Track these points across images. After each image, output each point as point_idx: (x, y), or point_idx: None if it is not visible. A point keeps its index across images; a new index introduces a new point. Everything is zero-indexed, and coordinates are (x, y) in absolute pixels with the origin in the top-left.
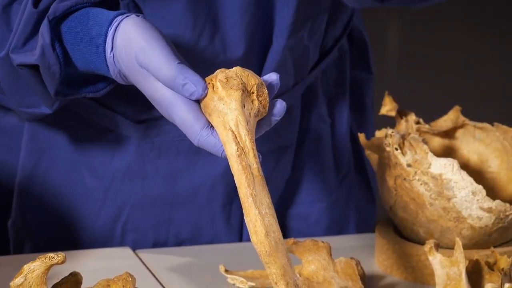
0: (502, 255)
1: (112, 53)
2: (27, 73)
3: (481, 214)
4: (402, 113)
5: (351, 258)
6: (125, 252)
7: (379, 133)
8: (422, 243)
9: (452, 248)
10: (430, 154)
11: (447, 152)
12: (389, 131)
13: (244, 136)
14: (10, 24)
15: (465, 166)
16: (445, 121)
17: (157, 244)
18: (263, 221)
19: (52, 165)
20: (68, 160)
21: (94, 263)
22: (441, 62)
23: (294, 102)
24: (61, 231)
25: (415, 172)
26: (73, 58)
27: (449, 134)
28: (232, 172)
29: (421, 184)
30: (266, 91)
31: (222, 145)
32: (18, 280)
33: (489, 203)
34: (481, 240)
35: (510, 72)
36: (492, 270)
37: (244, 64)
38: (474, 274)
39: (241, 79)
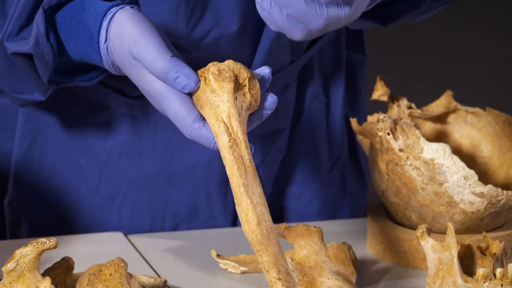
0: (494, 240)
1: (105, 44)
2: (20, 61)
3: (473, 199)
4: (394, 98)
5: (343, 243)
6: (117, 237)
7: (371, 118)
8: (414, 228)
9: (444, 233)
10: (422, 139)
11: (439, 137)
12: (381, 116)
13: (236, 127)
14: (5, 12)
15: (457, 151)
16: (437, 106)
17: (153, 224)
18: (254, 210)
19: (48, 145)
20: (63, 139)
21: (86, 248)
22: (434, 47)
23: (290, 81)
24: (58, 210)
25: (407, 157)
26: (67, 48)
27: (441, 119)
28: (224, 163)
29: (413, 169)
30: (258, 85)
31: (214, 137)
32: (10, 265)
33: (481, 188)
34: (473, 225)
35: (502, 57)
36: (484, 255)
37: (238, 40)
38: (466, 259)
39: (233, 71)
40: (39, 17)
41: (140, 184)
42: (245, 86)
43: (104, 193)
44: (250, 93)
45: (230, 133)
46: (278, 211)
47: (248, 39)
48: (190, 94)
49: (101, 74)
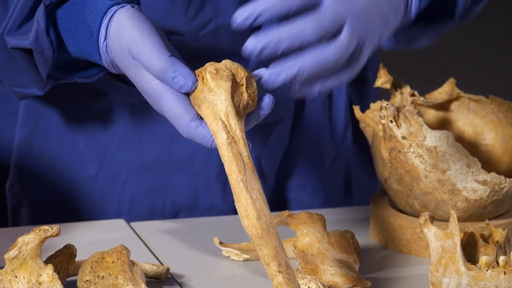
0: (497, 228)
1: (105, 42)
2: (20, 56)
3: (476, 187)
4: (397, 85)
5: (346, 231)
6: (120, 224)
7: (373, 106)
8: (417, 215)
9: (447, 220)
10: (425, 126)
11: (442, 125)
12: (384, 103)
13: (234, 125)
14: (7, 6)
15: (460, 139)
16: (440, 94)
17: (153, 212)
18: (254, 205)
19: (49, 130)
20: (64, 124)
21: (88, 236)
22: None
23: None
24: (58, 195)
25: (410, 145)
26: (66, 45)
27: (444, 106)
28: (223, 160)
29: (416, 157)
30: (255, 84)
31: (211, 136)
32: (12, 252)
33: (484, 176)
34: (476, 212)
35: (506, 45)
36: (487, 242)
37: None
38: (469, 246)
39: (231, 70)
40: (40, 13)
41: (140, 171)
42: (242, 85)
43: (104, 179)
44: (247, 92)
45: (228, 131)
46: (281, 202)
47: (246, 30)
48: (188, 94)
49: (101, 71)
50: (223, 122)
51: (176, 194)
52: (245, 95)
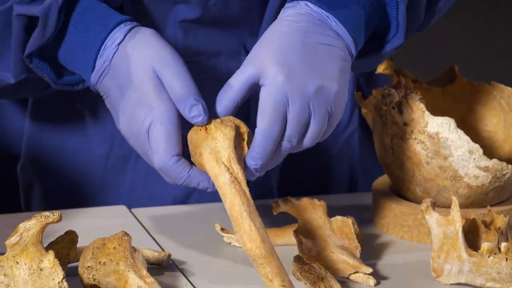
0: (499, 214)
1: (113, 47)
2: (18, 25)
3: (478, 173)
4: (399, 71)
5: (348, 217)
6: (121, 210)
7: (375, 92)
8: (418, 202)
9: (448, 207)
10: (426, 113)
11: (444, 111)
12: (386, 90)
13: (237, 170)
14: None
15: (462, 125)
16: (442, 80)
17: (155, 197)
18: (258, 231)
19: (57, 114)
20: (71, 109)
21: (90, 222)
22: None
23: None
24: (69, 174)
25: (412, 131)
26: (66, 38)
27: (446, 93)
28: (224, 199)
29: (417, 143)
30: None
31: (184, 175)
32: (13, 238)
33: (486, 162)
34: (478, 199)
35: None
36: (489, 229)
37: (246, 1)
38: (471, 233)
39: (234, 122)
40: None
41: None
42: (244, 140)
43: (113, 162)
44: (248, 147)
45: (231, 173)
46: (286, 186)
47: (254, 14)
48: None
49: (82, 82)
50: (225, 165)
51: None
52: (245, 150)
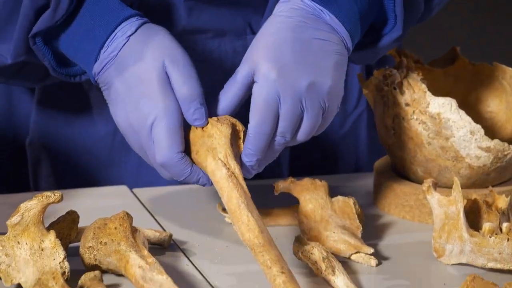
0: (500, 195)
1: (123, 38)
2: (29, 3)
3: (480, 154)
4: (401, 52)
5: (349, 197)
6: (122, 190)
7: (377, 73)
8: (420, 182)
9: (450, 187)
10: (428, 93)
11: (446, 92)
12: (388, 70)
13: (233, 166)
14: None
15: (463, 106)
16: (444, 61)
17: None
18: (256, 222)
19: (66, 94)
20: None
21: (91, 202)
22: None
23: None
24: (76, 152)
25: (413, 111)
26: (77, 20)
27: (447, 73)
28: (221, 193)
29: (419, 123)
30: None
31: (186, 171)
32: (14, 218)
33: (488, 143)
34: (479, 179)
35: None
36: (491, 209)
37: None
38: (472, 213)
39: (230, 121)
40: None
41: None
42: (240, 138)
43: (119, 141)
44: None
45: (228, 168)
46: (296, 167)
47: None
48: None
49: (83, 74)
50: (222, 161)
51: None
52: (241, 148)
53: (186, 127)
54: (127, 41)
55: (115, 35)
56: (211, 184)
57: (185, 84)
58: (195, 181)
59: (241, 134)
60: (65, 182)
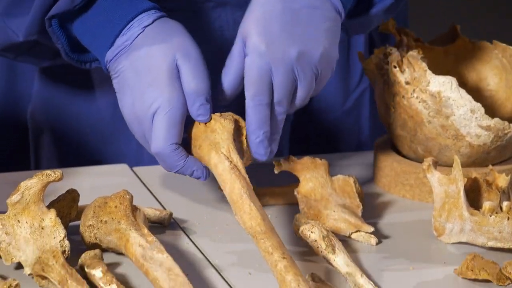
0: (501, 173)
1: (140, 28)
2: None
3: (480, 132)
4: (401, 30)
5: (349, 176)
6: (123, 169)
7: (377, 51)
8: (420, 161)
9: (450, 166)
10: (428, 71)
11: (446, 70)
12: (388, 48)
13: (236, 159)
14: None
15: (464, 84)
16: (444, 39)
17: None
18: (258, 210)
19: (69, 73)
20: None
21: (91, 180)
22: None
23: None
24: (80, 125)
25: (414, 90)
26: (95, 7)
27: (447, 51)
28: (224, 186)
29: (419, 102)
30: None
31: (179, 163)
32: (15, 197)
33: (488, 121)
34: (480, 158)
35: None
36: (491, 188)
37: None
38: (473, 192)
39: (233, 117)
40: None
41: None
42: (242, 134)
43: (122, 118)
44: (246, 143)
45: (231, 161)
46: (297, 145)
47: None
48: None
49: (90, 63)
50: (224, 155)
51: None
52: (244, 144)
53: (189, 122)
54: (143, 31)
55: (131, 24)
56: (206, 178)
57: (195, 79)
58: (189, 174)
59: (244, 131)
60: (67, 161)
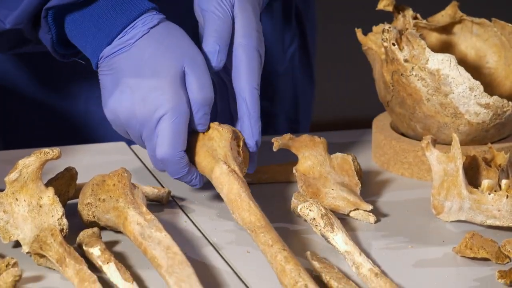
0: (500, 151)
1: (144, 29)
2: None
3: (479, 110)
4: (399, 8)
5: (348, 154)
6: (121, 147)
7: (376, 29)
8: (419, 139)
9: (449, 144)
10: (427, 49)
11: (445, 48)
12: (386, 26)
13: (233, 165)
14: None
15: (463, 62)
16: (443, 17)
17: None
18: (257, 207)
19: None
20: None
21: (89, 158)
22: None
23: None
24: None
25: (412, 68)
26: (96, 3)
27: (446, 29)
28: (221, 188)
29: (418, 80)
30: (248, 155)
31: (184, 169)
32: (13, 175)
33: (487, 99)
34: (478, 136)
35: None
36: (490, 166)
37: None
38: (471, 170)
39: (231, 127)
40: None
41: None
42: (239, 146)
43: None
44: (242, 155)
45: (229, 165)
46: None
47: None
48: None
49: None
50: (222, 160)
51: None
52: (241, 156)
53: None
54: (148, 32)
55: (135, 24)
56: (201, 185)
57: (203, 89)
58: (187, 181)
59: (241, 142)
60: (64, 140)
